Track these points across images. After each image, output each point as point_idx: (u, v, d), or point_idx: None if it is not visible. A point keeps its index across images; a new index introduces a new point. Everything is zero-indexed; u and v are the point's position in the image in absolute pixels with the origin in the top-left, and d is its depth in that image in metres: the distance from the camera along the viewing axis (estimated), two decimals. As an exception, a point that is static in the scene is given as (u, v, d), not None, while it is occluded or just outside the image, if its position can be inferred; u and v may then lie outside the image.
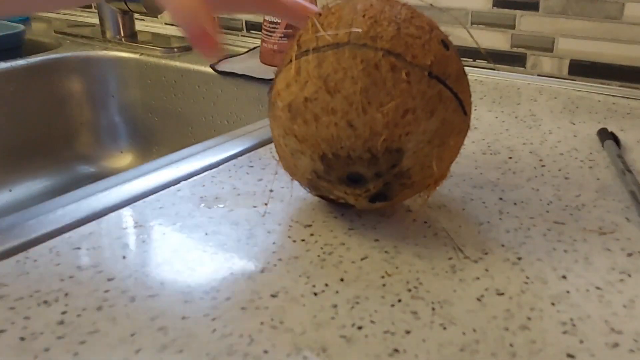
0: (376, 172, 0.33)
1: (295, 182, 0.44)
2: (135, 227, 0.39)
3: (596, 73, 0.70)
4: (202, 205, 0.41)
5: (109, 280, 0.33)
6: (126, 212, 0.41)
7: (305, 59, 0.33)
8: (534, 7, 0.71)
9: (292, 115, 0.33)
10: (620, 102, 0.64)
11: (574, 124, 0.58)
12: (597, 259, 0.35)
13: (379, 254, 0.35)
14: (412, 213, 0.40)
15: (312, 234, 0.38)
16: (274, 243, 0.37)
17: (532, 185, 0.44)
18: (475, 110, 0.62)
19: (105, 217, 0.40)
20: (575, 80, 0.71)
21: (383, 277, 0.33)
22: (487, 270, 0.34)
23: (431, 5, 0.77)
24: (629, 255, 0.36)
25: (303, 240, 0.37)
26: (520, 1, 0.72)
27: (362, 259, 0.35)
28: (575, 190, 0.44)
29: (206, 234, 0.38)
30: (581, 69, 0.71)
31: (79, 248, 0.36)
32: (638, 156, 0.50)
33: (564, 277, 0.33)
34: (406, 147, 0.33)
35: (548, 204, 0.41)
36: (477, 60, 0.77)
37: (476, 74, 0.75)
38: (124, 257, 0.35)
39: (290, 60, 0.34)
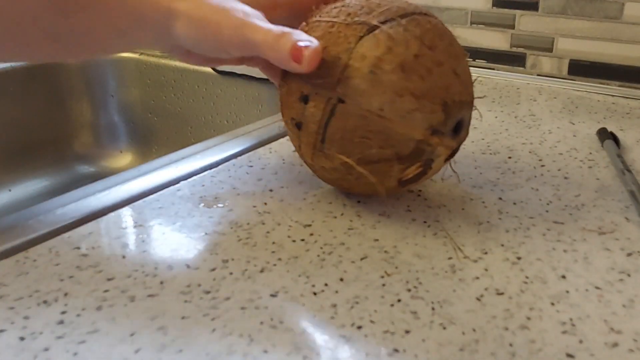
0: (469, 118, 0.38)
1: (295, 183, 0.44)
2: (134, 226, 0.39)
3: (596, 73, 0.70)
4: (202, 205, 0.41)
5: (109, 280, 0.33)
6: (126, 211, 0.41)
7: (388, 26, 0.36)
8: (534, 7, 0.71)
9: (407, 75, 0.35)
10: (619, 102, 0.64)
11: (573, 124, 0.58)
12: (596, 259, 0.35)
13: (379, 254, 0.35)
14: (411, 213, 0.40)
15: (311, 234, 0.38)
16: (273, 243, 0.37)
17: (531, 185, 0.44)
18: (475, 110, 0.62)
19: (105, 217, 0.40)
20: (574, 80, 0.71)
21: (383, 276, 0.33)
22: (486, 269, 0.34)
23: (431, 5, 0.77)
24: (629, 255, 0.36)
25: (303, 240, 0.37)
26: (520, 1, 0.72)
27: (361, 259, 0.35)
28: (575, 190, 0.44)
29: (206, 233, 0.38)
30: (581, 68, 0.71)
31: (78, 248, 0.36)
32: (637, 156, 0.50)
33: (563, 276, 0.33)
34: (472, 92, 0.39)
35: (547, 204, 0.42)
36: (476, 60, 0.77)
37: (476, 74, 0.75)
38: (123, 257, 0.35)
39: (363, 31, 0.36)
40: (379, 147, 0.36)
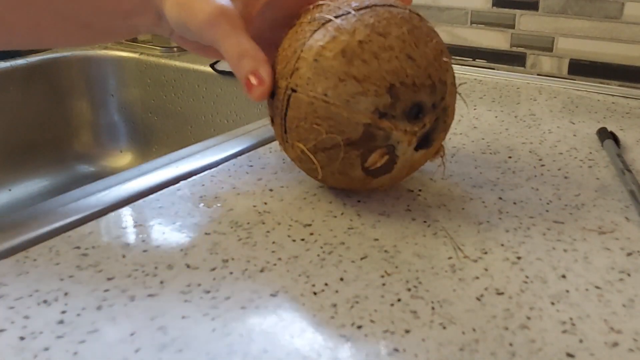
0: (433, 103, 0.37)
1: (296, 180, 0.44)
2: (134, 226, 0.39)
3: (596, 72, 0.70)
4: (202, 204, 0.41)
5: (109, 279, 0.33)
6: (126, 211, 0.41)
7: (341, 19, 0.37)
8: (534, 6, 0.71)
9: (348, 60, 0.36)
10: (619, 102, 0.64)
11: (573, 124, 0.58)
12: (596, 259, 0.35)
13: (379, 254, 0.35)
14: (411, 212, 0.40)
15: (311, 233, 0.38)
16: (273, 242, 0.37)
17: (531, 185, 0.44)
18: (474, 109, 0.62)
19: (105, 217, 0.40)
20: (574, 79, 0.71)
21: (383, 276, 0.33)
22: (486, 269, 0.34)
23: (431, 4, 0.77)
24: (629, 254, 0.36)
25: (303, 239, 0.37)
26: (520, 1, 0.72)
27: (361, 259, 0.35)
28: (575, 189, 0.44)
29: (206, 233, 0.38)
30: (581, 68, 0.71)
31: (78, 247, 0.36)
32: (637, 155, 0.50)
33: (563, 276, 0.33)
34: (447, 81, 0.38)
35: (548, 204, 0.42)
36: (476, 60, 0.77)
37: (476, 74, 0.75)
38: (123, 257, 0.35)
39: (318, 25, 0.38)
40: (328, 133, 0.37)
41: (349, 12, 0.37)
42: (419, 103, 0.37)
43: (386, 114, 0.36)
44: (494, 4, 0.74)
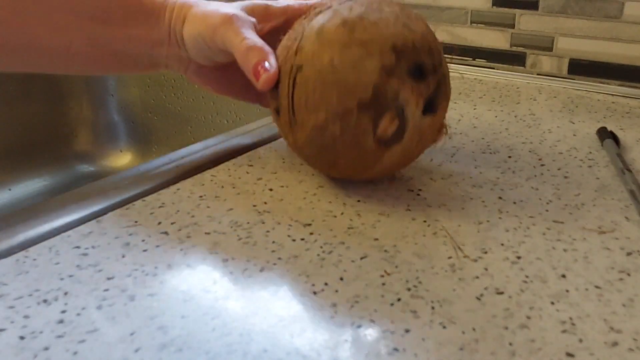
0: (433, 65, 0.39)
1: (299, 176, 0.44)
2: (134, 226, 0.39)
3: (595, 72, 0.70)
4: (202, 204, 0.41)
5: (109, 279, 0.33)
6: (125, 211, 0.41)
7: (344, 3, 0.40)
8: (534, 6, 0.71)
9: (350, 29, 0.38)
10: (619, 101, 0.64)
11: (573, 123, 0.58)
12: (596, 258, 0.35)
13: (379, 253, 0.35)
14: (411, 212, 0.40)
15: (311, 233, 0.38)
16: (273, 242, 0.37)
17: (531, 185, 0.44)
18: (474, 109, 0.62)
19: (105, 217, 0.40)
20: (574, 79, 0.71)
21: (382, 276, 0.33)
22: (486, 269, 0.34)
23: (431, 4, 0.77)
24: (629, 254, 0.36)
25: (302, 239, 0.37)
26: (520, 0, 0.72)
27: (361, 258, 0.35)
28: (575, 189, 0.44)
29: (206, 233, 0.38)
30: (580, 68, 0.71)
31: (78, 247, 0.36)
32: (637, 155, 0.50)
33: (563, 276, 0.33)
34: (441, 52, 0.41)
35: (547, 203, 0.42)
36: (476, 60, 0.77)
37: (475, 73, 0.75)
38: (123, 256, 0.35)
39: (316, 13, 0.41)
40: (339, 97, 0.37)
41: (342, 3, 0.40)
42: (421, 63, 0.38)
43: (392, 72, 0.37)
44: (494, 4, 0.74)
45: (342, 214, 0.40)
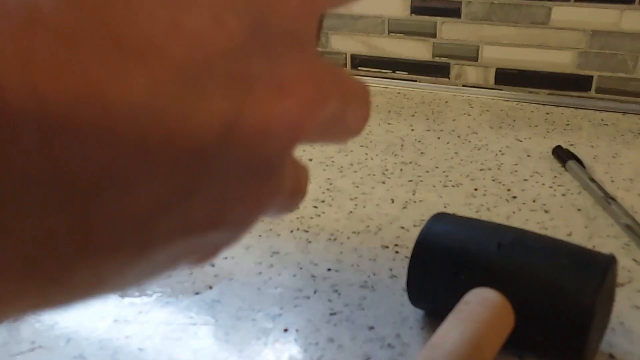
0: None
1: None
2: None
3: (523, 82, 0.66)
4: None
5: None
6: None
7: None
8: (456, 13, 0.67)
9: None
10: (554, 112, 0.61)
11: (520, 141, 0.53)
12: (628, 319, 0.29)
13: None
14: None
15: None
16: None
17: (514, 225, 0.38)
18: (412, 130, 0.56)
19: None
20: (502, 89, 0.67)
21: None
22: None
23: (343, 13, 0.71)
24: (658, 311, 0.30)
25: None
26: (441, 7, 0.67)
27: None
28: (563, 227, 0.38)
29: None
30: (508, 77, 0.67)
31: None
32: (603, 176, 0.46)
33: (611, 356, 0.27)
34: None
35: (541, 248, 0.36)
36: (397, 72, 0.71)
37: (397, 87, 0.69)
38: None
39: None
40: None
41: None
42: None
43: None
44: (412, 11, 0.68)
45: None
